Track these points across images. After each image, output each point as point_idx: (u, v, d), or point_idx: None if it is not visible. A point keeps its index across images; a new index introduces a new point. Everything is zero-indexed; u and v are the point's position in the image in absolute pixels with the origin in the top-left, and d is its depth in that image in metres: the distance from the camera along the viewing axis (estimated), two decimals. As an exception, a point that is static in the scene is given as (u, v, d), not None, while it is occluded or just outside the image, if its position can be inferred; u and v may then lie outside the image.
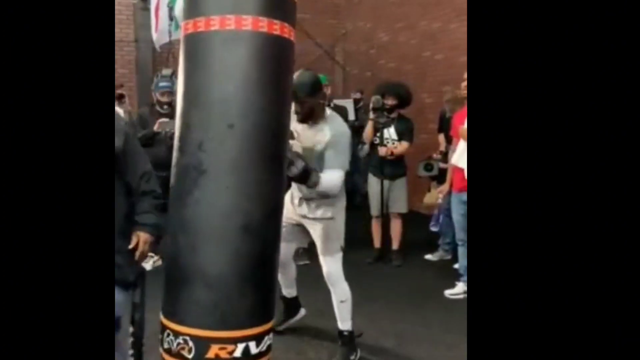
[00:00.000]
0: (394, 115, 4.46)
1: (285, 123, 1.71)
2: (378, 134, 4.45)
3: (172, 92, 4.42)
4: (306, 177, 2.39)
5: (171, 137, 4.36)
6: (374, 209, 4.57)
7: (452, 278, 3.86)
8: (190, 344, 1.54)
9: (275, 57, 1.59)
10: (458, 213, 3.73)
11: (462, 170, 3.57)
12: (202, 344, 1.54)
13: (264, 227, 1.60)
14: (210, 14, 1.53)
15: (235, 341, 1.55)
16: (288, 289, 3.07)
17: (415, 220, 5.17)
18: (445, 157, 4.47)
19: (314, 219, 2.67)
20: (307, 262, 4.33)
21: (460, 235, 3.75)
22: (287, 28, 1.60)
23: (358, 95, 6.70)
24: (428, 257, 4.73)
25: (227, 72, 1.56)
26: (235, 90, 1.56)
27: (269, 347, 1.64)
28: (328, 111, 2.70)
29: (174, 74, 5.26)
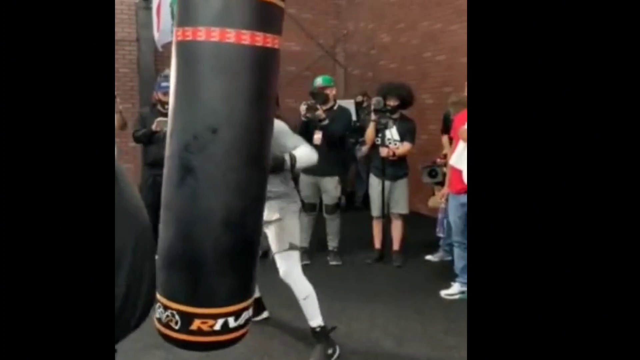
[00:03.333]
0: (395, 116, 4.46)
1: (268, 127, 1.89)
2: (380, 135, 4.45)
3: None
4: (280, 163, 2.52)
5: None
6: (375, 209, 4.57)
7: (452, 279, 3.86)
8: (177, 317, 1.79)
9: (258, 66, 1.75)
10: (455, 215, 3.73)
11: (460, 171, 3.57)
12: (187, 318, 1.78)
13: (244, 219, 1.81)
14: (198, 24, 1.68)
15: (215, 317, 1.79)
16: None
17: (416, 221, 5.17)
18: (449, 161, 4.47)
19: (266, 222, 2.69)
20: (307, 262, 4.34)
21: (457, 237, 3.75)
22: (270, 38, 1.75)
23: (359, 99, 6.72)
24: (429, 257, 4.73)
25: (212, 80, 1.72)
26: (220, 97, 1.73)
27: (247, 321, 1.90)
28: None
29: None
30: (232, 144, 1.73)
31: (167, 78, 4.65)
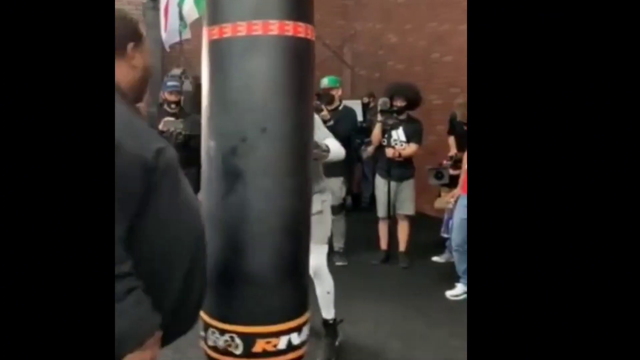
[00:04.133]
0: (402, 116, 4.45)
1: (311, 122, 1.77)
2: (386, 136, 4.44)
3: (179, 92, 4.45)
4: (326, 152, 2.47)
5: (177, 136, 4.39)
6: (381, 210, 4.56)
7: (458, 280, 3.85)
8: (237, 340, 1.61)
9: (299, 58, 1.64)
10: (460, 215, 3.72)
11: None
12: (249, 340, 1.60)
13: (298, 224, 1.68)
14: (237, 19, 1.57)
15: (278, 334, 1.63)
16: None
17: (422, 222, 5.15)
18: (456, 163, 4.45)
19: None
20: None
21: (457, 239, 3.73)
22: (310, 29, 1.65)
23: (366, 100, 6.72)
24: (435, 259, 4.71)
25: (256, 77, 1.60)
26: (265, 94, 1.60)
27: (307, 336, 1.73)
28: None
29: (184, 73, 5.27)
30: (282, 141, 1.61)
31: (173, 77, 4.67)
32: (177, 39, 5.78)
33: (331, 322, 2.86)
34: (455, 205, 3.93)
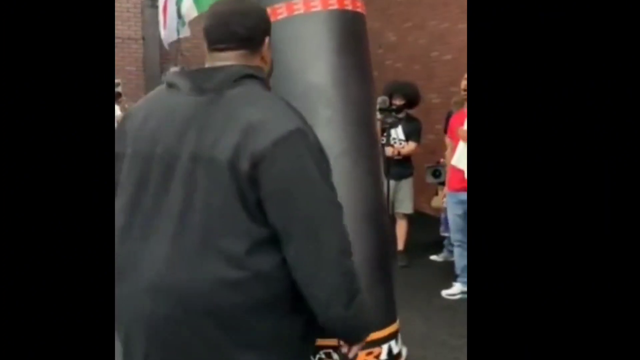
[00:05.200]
0: (401, 115, 4.44)
1: (373, 100, 1.63)
2: (385, 134, 4.44)
3: None
4: None
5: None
6: (380, 209, 4.56)
7: (456, 279, 3.84)
8: (335, 356, 1.38)
9: (361, 33, 1.55)
10: (454, 213, 3.72)
11: (461, 171, 3.55)
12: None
13: (381, 212, 1.48)
14: None
15: (379, 343, 1.42)
16: None
17: (420, 220, 5.15)
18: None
19: None
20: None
21: (457, 236, 3.73)
22: (361, 3, 1.54)
23: None
24: (433, 257, 4.71)
25: (320, 55, 1.45)
26: (330, 72, 1.46)
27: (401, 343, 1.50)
28: None
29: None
30: (356, 123, 1.46)
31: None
32: (175, 37, 5.77)
33: None
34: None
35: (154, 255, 1.04)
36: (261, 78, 1.16)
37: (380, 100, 4.50)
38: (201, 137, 1.06)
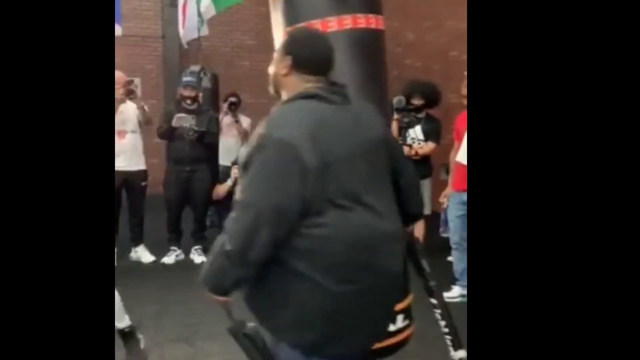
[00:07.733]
0: (421, 115, 4.42)
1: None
2: (403, 134, 4.41)
3: (195, 87, 4.46)
4: None
5: (189, 133, 4.39)
6: (397, 209, 4.53)
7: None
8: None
9: (380, 48, 2.13)
10: (454, 214, 3.66)
11: (465, 167, 3.51)
12: None
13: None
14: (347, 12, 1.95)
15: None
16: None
17: (437, 221, 5.11)
18: (467, 159, 4.42)
19: None
20: None
21: (455, 238, 3.67)
22: (382, 20, 2.11)
23: None
24: (451, 258, 4.66)
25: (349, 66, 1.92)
26: (358, 83, 1.87)
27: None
28: None
29: (202, 70, 5.29)
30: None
31: (191, 73, 4.68)
32: (195, 36, 5.81)
33: None
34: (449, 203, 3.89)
35: (375, 211, 1.56)
36: None
37: (397, 100, 4.47)
38: (364, 129, 1.55)
